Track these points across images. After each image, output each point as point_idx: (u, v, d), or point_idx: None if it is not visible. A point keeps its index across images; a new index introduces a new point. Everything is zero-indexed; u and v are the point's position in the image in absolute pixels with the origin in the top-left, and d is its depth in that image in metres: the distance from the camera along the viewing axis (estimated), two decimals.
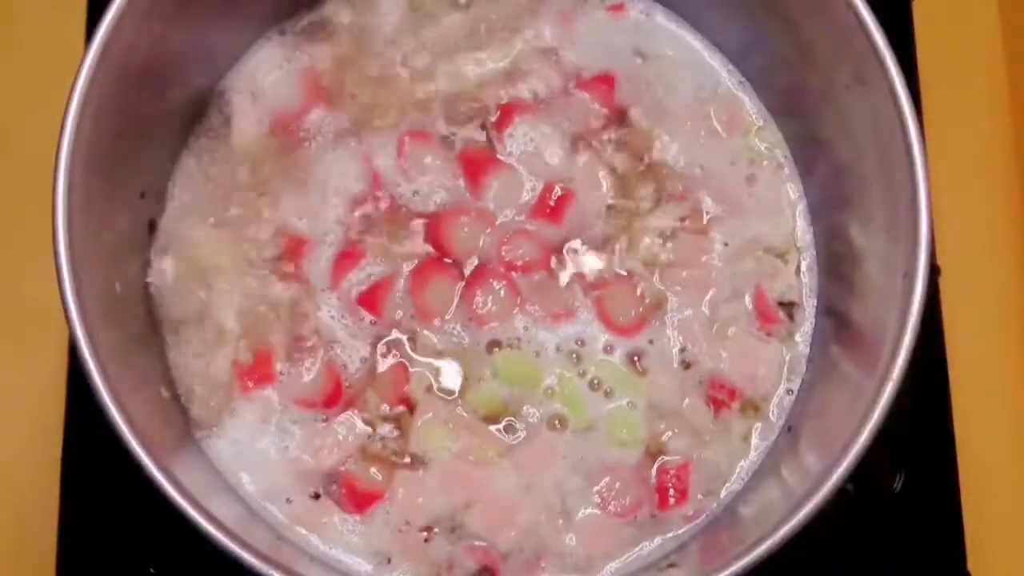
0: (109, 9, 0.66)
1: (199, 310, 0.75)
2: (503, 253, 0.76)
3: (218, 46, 0.79)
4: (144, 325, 0.74)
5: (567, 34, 0.81)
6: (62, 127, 0.65)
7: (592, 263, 0.77)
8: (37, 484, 0.82)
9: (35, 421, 0.84)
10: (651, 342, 0.76)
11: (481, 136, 0.78)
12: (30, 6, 0.95)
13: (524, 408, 0.74)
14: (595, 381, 0.75)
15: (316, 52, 0.79)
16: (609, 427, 0.74)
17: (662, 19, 0.82)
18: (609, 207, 0.78)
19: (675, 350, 0.76)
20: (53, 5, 0.93)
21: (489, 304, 0.75)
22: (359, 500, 0.73)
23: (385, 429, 0.74)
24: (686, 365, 0.76)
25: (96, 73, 0.66)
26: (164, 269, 0.76)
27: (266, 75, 0.79)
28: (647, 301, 0.76)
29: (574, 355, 0.75)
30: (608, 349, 0.76)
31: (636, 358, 0.76)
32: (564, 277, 0.77)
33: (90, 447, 0.77)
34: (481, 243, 0.77)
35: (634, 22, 0.82)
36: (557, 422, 0.74)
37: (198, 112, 0.79)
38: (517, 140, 0.78)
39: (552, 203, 0.77)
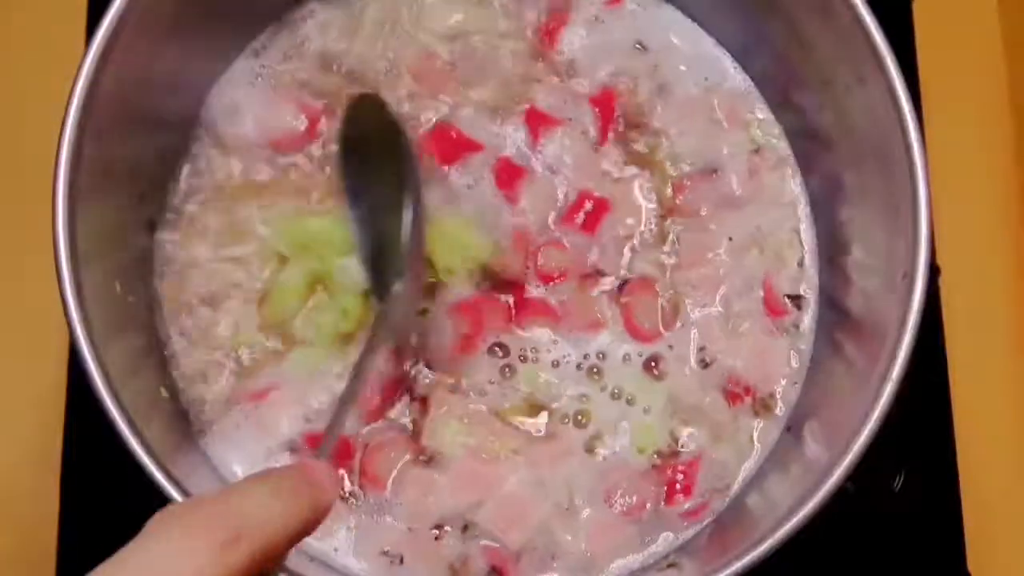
0: (109, 9, 0.66)
1: (199, 308, 0.76)
2: (539, 263, 0.76)
3: (219, 46, 0.79)
4: (144, 325, 0.74)
5: (566, 37, 0.81)
6: (62, 127, 0.65)
7: (616, 270, 0.77)
8: (37, 484, 0.82)
9: (35, 421, 0.84)
10: (671, 346, 0.76)
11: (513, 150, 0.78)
12: (30, 7, 0.94)
13: (550, 407, 0.75)
14: (616, 391, 0.75)
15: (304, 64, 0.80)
16: (628, 431, 0.74)
17: (660, 12, 0.82)
18: (632, 212, 0.78)
19: (693, 350, 0.76)
20: (53, 6, 0.93)
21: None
22: (371, 479, 0.73)
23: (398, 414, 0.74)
24: (704, 364, 0.76)
25: (96, 74, 0.66)
26: (164, 268, 0.76)
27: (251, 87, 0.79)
28: (668, 307, 0.76)
29: (594, 369, 0.75)
30: (627, 357, 0.75)
31: (655, 362, 0.76)
32: (593, 288, 0.77)
33: (90, 447, 0.77)
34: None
35: (632, 14, 0.82)
36: (581, 420, 0.74)
37: (197, 112, 0.79)
38: (546, 153, 0.78)
39: (587, 212, 0.77)
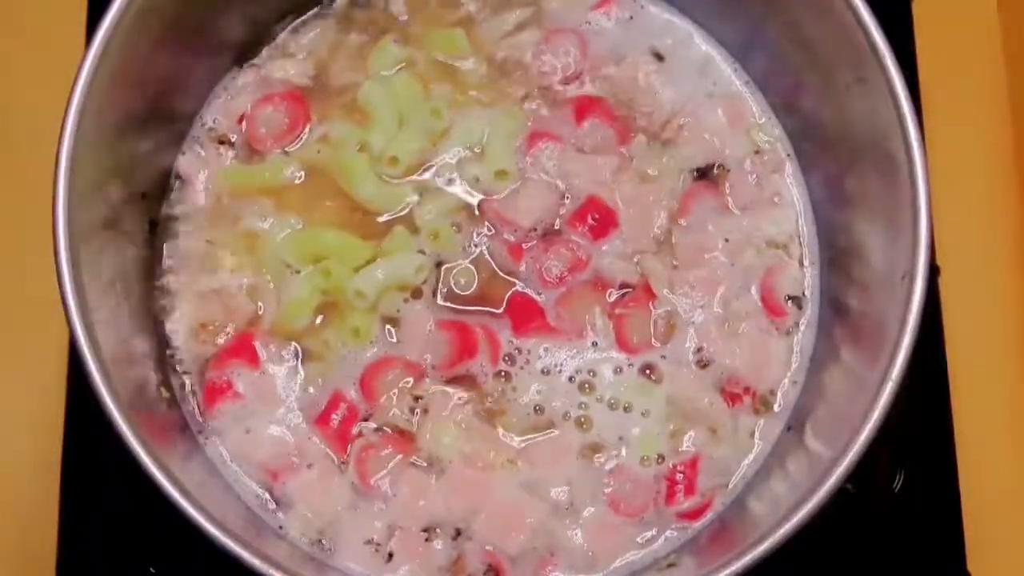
0: (109, 10, 0.66)
1: (201, 307, 0.76)
2: (543, 267, 0.77)
3: (219, 44, 0.79)
4: (144, 324, 0.74)
5: (553, 44, 0.81)
6: (62, 127, 0.65)
7: (616, 276, 0.77)
8: (37, 484, 0.82)
9: (35, 421, 0.84)
10: (663, 356, 0.76)
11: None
12: (30, 7, 0.94)
13: (548, 416, 0.75)
14: (612, 401, 0.75)
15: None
16: (628, 433, 0.74)
17: (659, 14, 0.82)
18: (636, 217, 0.78)
19: (691, 351, 0.76)
20: (53, 6, 0.93)
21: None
22: (364, 475, 0.73)
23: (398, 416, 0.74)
24: (702, 364, 0.76)
25: (96, 74, 0.66)
26: (165, 268, 0.76)
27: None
28: (662, 323, 0.76)
29: (586, 384, 0.75)
30: (619, 370, 0.75)
31: (650, 369, 0.76)
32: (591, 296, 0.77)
33: (90, 447, 0.77)
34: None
35: (632, 17, 0.82)
36: (582, 423, 0.75)
37: (197, 111, 0.79)
38: (542, 162, 0.78)
39: (593, 218, 0.77)
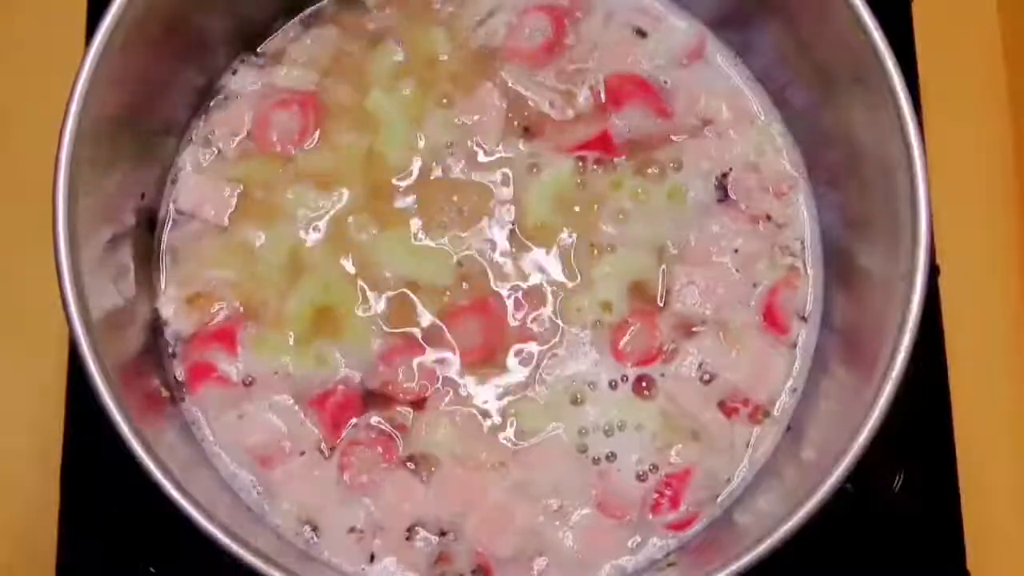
0: (109, 10, 0.66)
1: (200, 307, 0.76)
2: None
3: (221, 43, 0.79)
4: (144, 324, 0.74)
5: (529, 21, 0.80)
6: (62, 127, 0.65)
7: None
8: (37, 484, 0.82)
9: (35, 421, 0.84)
10: (663, 375, 0.75)
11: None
12: (30, 7, 0.95)
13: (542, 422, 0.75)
14: (607, 410, 0.74)
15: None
16: (620, 444, 0.74)
17: (660, 7, 0.82)
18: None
19: (693, 363, 0.75)
20: (53, 6, 0.93)
21: None
22: (348, 473, 0.73)
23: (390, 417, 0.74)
24: (703, 377, 0.75)
25: (96, 74, 0.66)
26: (164, 268, 0.76)
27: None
28: (661, 334, 0.76)
29: (577, 397, 0.75)
30: (613, 382, 0.75)
31: (646, 383, 0.75)
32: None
33: (90, 447, 0.77)
34: None
35: (634, 6, 0.81)
36: (577, 430, 0.75)
37: (197, 110, 0.79)
38: None
39: None
